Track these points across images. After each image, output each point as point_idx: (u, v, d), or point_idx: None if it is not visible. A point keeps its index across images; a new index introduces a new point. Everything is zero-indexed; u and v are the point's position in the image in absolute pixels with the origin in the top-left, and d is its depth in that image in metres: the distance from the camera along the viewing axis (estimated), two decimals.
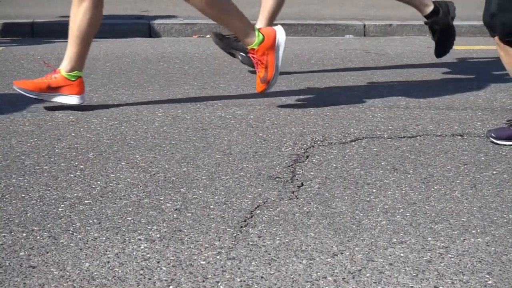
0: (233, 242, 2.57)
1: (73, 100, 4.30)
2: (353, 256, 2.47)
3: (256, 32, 4.31)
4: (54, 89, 4.26)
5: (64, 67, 4.28)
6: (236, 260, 2.44)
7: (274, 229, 2.69)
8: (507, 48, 3.66)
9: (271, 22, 5.33)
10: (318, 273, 2.36)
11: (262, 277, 2.33)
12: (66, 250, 2.50)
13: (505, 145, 3.70)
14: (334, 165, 3.42)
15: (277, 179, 3.22)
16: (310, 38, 7.39)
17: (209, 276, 2.33)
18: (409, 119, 4.24)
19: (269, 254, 2.49)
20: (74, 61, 4.28)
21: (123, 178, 3.21)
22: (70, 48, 4.29)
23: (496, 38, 3.67)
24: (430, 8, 5.24)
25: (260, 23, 5.28)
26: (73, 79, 4.27)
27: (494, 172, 3.35)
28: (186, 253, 2.49)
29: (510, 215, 2.85)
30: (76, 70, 4.28)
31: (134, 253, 2.48)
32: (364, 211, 2.87)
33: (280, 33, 4.37)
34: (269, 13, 5.31)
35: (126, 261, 2.42)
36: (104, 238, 2.60)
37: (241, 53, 5.28)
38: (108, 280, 2.30)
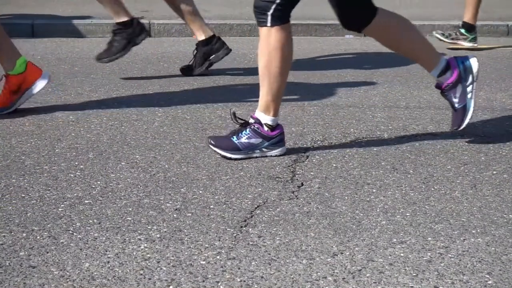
0: (233, 242, 2.57)
1: (40, 85, 4.23)
2: (353, 256, 2.47)
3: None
4: (18, 90, 4.21)
5: (6, 68, 4.20)
6: (236, 260, 2.44)
7: (274, 229, 2.69)
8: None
9: (206, 30, 5.31)
10: (318, 273, 2.36)
11: (262, 277, 2.33)
12: (66, 250, 2.50)
13: (232, 158, 3.47)
14: (334, 165, 3.42)
15: (277, 179, 3.22)
16: (310, 38, 7.39)
17: (209, 276, 2.33)
18: (409, 119, 4.24)
19: (269, 254, 2.49)
20: (9, 58, 4.19)
21: (123, 178, 3.21)
22: None
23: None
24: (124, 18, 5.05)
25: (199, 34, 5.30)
26: (23, 70, 4.20)
27: (494, 172, 3.35)
28: (186, 253, 2.49)
29: (510, 215, 2.84)
30: (16, 59, 4.20)
31: (134, 253, 2.48)
32: (364, 211, 2.87)
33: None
34: (195, 24, 5.31)
35: (126, 261, 2.42)
36: (104, 238, 2.60)
37: (215, 54, 5.34)
38: (108, 280, 2.30)
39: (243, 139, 3.48)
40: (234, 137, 3.50)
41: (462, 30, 6.73)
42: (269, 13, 3.35)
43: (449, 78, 3.67)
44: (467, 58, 3.74)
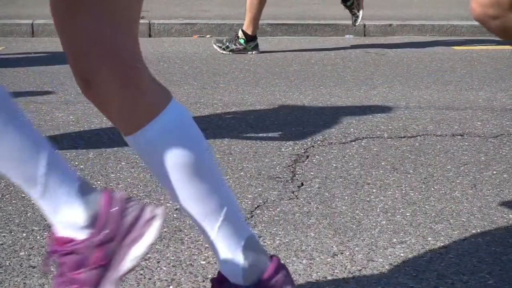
0: None
1: None
2: (353, 256, 2.47)
3: None
4: None
5: None
6: None
7: (274, 229, 2.68)
8: None
9: None
10: (318, 273, 2.35)
11: None
12: None
13: None
14: (334, 165, 3.42)
15: (277, 179, 3.22)
16: (310, 38, 7.38)
17: (209, 276, 2.33)
18: (409, 119, 4.24)
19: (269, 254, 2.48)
20: None
21: (123, 178, 3.21)
22: None
23: None
24: None
25: None
26: None
27: (494, 172, 3.35)
28: (186, 253, 2.49)
29: (510, 215, 2.84)
30: None
31: None
32: (364, 211, 2.87)
33: None
34: None
35: None
36: None
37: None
38: None
39: None
40: None
41: (241, 41, 6.45)
42: None
43: None
44: None
